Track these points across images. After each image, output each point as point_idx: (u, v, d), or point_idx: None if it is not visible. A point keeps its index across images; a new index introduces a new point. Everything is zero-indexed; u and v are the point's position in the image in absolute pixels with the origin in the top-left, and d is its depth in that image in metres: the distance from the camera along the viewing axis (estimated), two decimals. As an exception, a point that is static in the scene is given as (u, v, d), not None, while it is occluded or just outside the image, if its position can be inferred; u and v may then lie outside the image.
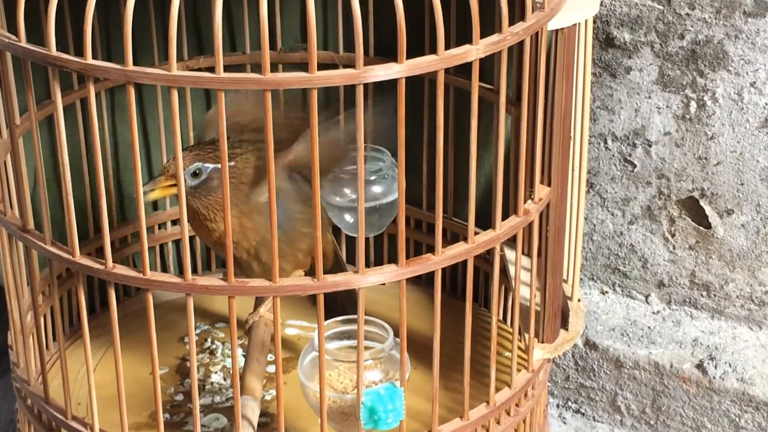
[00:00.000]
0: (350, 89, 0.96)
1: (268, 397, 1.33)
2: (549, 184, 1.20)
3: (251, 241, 1.21)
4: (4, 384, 1.63)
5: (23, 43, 1.00)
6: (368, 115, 0.98)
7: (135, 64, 0.96)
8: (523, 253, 1.33)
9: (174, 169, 1.06)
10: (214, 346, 1.43)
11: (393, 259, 1.06)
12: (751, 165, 1.43)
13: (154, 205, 1.52)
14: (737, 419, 1.46)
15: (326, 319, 1.08)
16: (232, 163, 1.19)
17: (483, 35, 1.01)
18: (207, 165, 1.18)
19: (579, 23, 1.20)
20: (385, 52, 1.47)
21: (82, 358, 1.14)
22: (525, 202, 1.15)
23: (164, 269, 1.54)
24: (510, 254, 1.38)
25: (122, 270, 1.05)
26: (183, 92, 1.46)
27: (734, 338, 1.50)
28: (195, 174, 1.18)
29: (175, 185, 1.15)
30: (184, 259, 1.03)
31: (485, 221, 1.15)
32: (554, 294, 1.25)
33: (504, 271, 1.39)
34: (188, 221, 1.10)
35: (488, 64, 1.34)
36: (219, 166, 1.16)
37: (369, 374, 1.16)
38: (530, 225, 1.16)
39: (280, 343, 1.05)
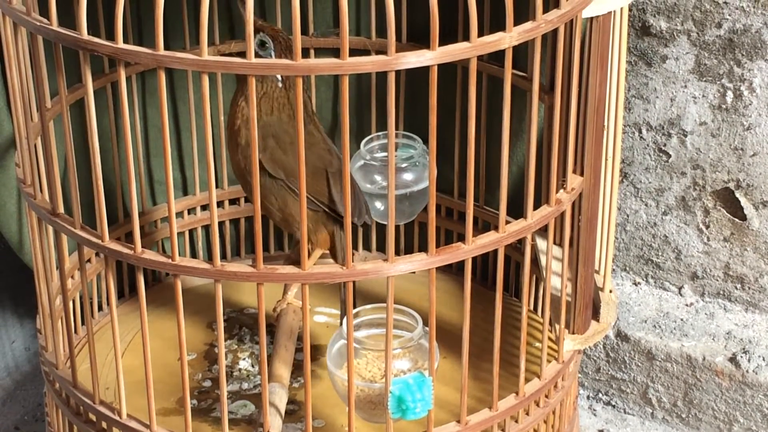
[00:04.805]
0: (382, 76, 0.96)
1: (296, 385, 1.32)
2: (582, 174, 1.19)
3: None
4: (33, 367, 1.63)
5: (55, 27, 1.00)
6: None
7: (166, 48, 0.96)
8: (554, 242, 1.32)
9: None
10: (242, 333, 1.43)
11: (423, 248, 1.05)
12: (788, 156, 1.42)
13: (184, 190, 1.52)
14: (770, 414, 1.45)
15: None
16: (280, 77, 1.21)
17: (517, 22, 1.00)
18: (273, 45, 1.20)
19: (614, 11, 1.19)
20: (418, 38, 1.46)
21: (111, 342, 1.14)
22: (557, 191, 1.14)
23: (193, 255, 1.54)
24: (541, 244, 1.37)
25: (151, 255, 1.05)
26: (214, 76, 1.46)
27: (768, 332, 1.49)
28: (262, 44, 1.20)
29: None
30: (213, 244, 1.02)
31: (517, 210, 1.14)
32: (586, 284, 1.24)
33: (535, 260, 1.38)
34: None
35: (522, 52, 1.33)
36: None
37: (397, 363, 1.16)
38: (562, 215, 1.16)
39: (308, 330, 1.05)
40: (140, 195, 1.47)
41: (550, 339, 1.23)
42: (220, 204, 1.54)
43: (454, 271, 1.50)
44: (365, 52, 1.46)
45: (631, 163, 1.52)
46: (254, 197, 1.01)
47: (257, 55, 1.18)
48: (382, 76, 0.95)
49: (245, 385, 1.34)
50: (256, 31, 1.18)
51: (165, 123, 0.99)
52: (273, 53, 1.20)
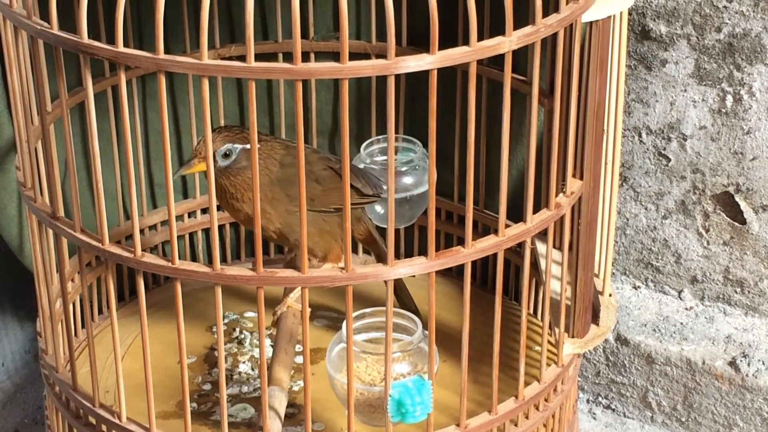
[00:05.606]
0: (382, 80, 0.96)
1: (295, 388, 1.32)
2: (581, 178, 1.19)
3: (275, 224, 1.23)
4: (33, 370, 1.63)
5: (55, 31, 1.00)
6: None
7: (166, 51, 0.96)
8: (554, 246, 1.32)
9: (205, 152, 1.07)
10: (242, 336, 1.43)
11: (423, 251, 1.06)
12: (788, 160, 1.42)
13: (185, 193, 1.53)
14: (769, 417, 1.45)
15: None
16: (259, 145, 1.21)
17: (517, 26, 1.00)
18: (236, 145, 1.22)
19: (614, 15, 1.19)
20: (418, 42, 1.46)
21: (111, 346, 1.15)
22: (557, 195, 1.14)
23: (194, 258, 1.54)
24: (541, 247, 1.38)
25: (151, 258, 1.05)
26: (214, 80, 1.47)
27: (768, 336, 1.49)
28: (226, 155, 1.22)
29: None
30: (213, 248, 1.03)
31: (517, 214, 1.14)
32: (585, 288, 1.24)
33: (535, 264, 1.38)
34: (217, 197, 1.13)
35: (522, 56, 1.33)
36: (247, 146, 1.20)
37: (397, 366, 1.16)
38: (562, 218, 1.16)
39: (308, 333, 1.05)
40: (140, 198, 1.47)
41: (549, 343, 1.23)
42: (220, 207, 1.54)
43: (453, 274, 1.50)
44: (365, 56, 1.46)
45: (631, 167, 1.53)
46: (255, 202, 1.01)
47: (222, 166, 1.22)
48: (382, 79, 0.95)
49: (245, 389, 1.34)
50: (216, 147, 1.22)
51: (165, 126, 0.99)
52: (236, 151, 1.21)
